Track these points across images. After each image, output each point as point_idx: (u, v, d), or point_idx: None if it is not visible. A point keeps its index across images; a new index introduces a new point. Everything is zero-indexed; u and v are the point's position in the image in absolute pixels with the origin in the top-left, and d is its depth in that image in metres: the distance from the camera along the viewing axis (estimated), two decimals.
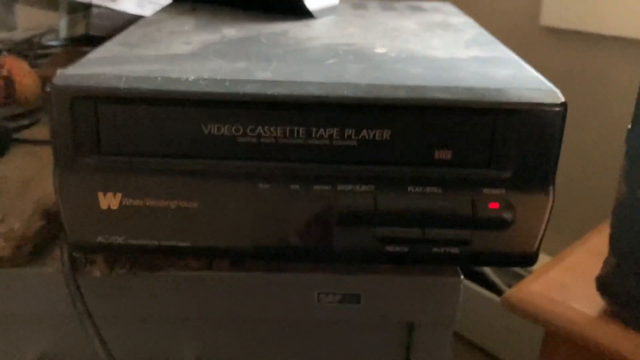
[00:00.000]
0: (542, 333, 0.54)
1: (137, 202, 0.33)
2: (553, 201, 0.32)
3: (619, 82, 0.92)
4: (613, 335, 0.47)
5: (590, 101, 0.95)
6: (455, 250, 0.33)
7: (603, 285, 0.48)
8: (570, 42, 0.95)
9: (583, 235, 0.63)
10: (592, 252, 0.58)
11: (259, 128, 0.32)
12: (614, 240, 0.47)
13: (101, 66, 0.33)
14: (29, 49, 0.74)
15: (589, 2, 0.88)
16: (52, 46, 0.74)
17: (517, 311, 0.52)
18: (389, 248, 0.33)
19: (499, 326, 1.10)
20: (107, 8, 0.62)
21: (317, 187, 0.32)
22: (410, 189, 0.32)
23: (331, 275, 0.37)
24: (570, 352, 0.51)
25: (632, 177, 0.44)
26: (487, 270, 1.06)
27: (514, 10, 1.00)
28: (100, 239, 0.33)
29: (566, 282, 0.54)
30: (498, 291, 1.05)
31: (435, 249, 0.33)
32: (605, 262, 0.48)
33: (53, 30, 0.82)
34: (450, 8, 0.56)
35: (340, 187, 0.32)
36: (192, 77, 0.32)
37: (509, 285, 1.00)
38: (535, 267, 0.58)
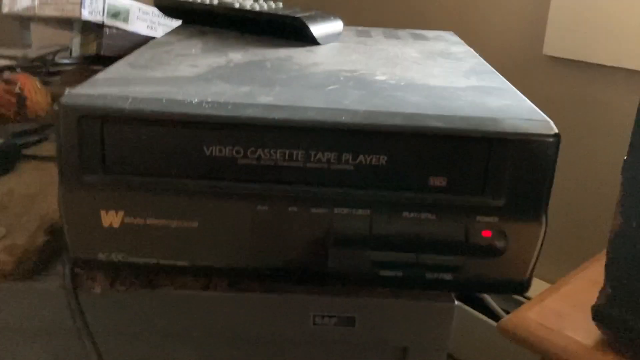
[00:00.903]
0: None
1: (138, 221, 0.33)
2: (545, 230, 0.33)
3: (619, 112, 0.92)
4: None
5: (591, 129, 0.96)
6: (448, 276, 0.33)
7: (599, 315, 0.48)
8: (572, 72, 0.96)
9: (582, 263, 0.63)
10: (589, 280, 0.58)
11: (259, 150, 0.32)
12: (609, 270, 0.47)
13: (109, 86, 0.34)
14: (42, 67, 0.76)
15: (590, 33, 0.90)
16: (64, 64, 0.76)
17: (513, 338, 0.52)
18: (384, 272, 0.34)
19: (497, 352, 1.09)
20: (118, 29, 0.64)
21: (314, 210, 0.33)
22: (405, 214, 0.33)
23: (327, 298, 0.37)
24: None
25: (628, 207, 0.45)
26: (486, 296, 1.06)
27: (518, 39, 1.01)
28: (101, 255, 0.34)
29: (563, 311, 0.54)
30: (497, 317, 1.05)
31: (428, 275, 0.33)
32: (601, 292, 0.48)
33: (66, 49, 0.84)
34: (452, 37, 0.57)
35: (337, 211, 0.33)
36: (195, 100, 0.33)
37: (508, 312, 0.99)
38: (533, 294, 0.59)
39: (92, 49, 0.65)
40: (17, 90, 0.56)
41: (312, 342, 0.39)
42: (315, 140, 0.32)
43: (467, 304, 1.11)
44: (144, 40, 0.65)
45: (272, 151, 0.32)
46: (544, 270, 1.00)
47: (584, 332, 0.50)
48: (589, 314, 0.50)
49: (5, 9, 0.66)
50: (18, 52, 0.84)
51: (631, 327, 0.47)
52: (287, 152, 0.32)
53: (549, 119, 0.32)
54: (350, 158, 0.32)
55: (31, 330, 0.39)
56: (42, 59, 0.80)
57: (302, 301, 0.38)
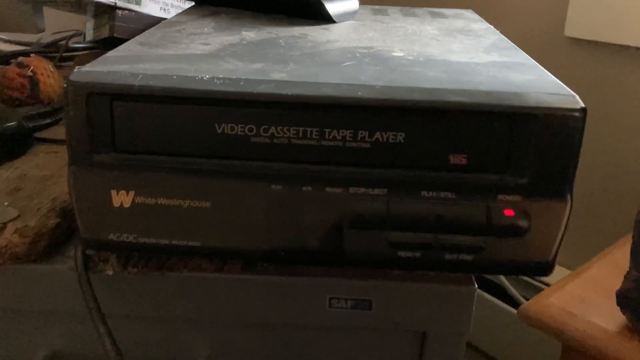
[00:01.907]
0: (560, 347, 0.53)
1: (149, 201, 0.33)
2: (571, 209, 0.32)
3: None
4: (632, 351, 0.45)
5: (614, 113, 0.93)
6: (468, 257, 0.32)
7: (623, 300, 0.47)
8: (595, 53, 0.93)
9: (603, 249, 0.61)
10: (613, 266, 0.56)
11: (272, 128, 0.31)
12: (635, 254, 0.45)
13: (118, 64, 0.33)
14: (55, 51, 0.76)
15: (613, 14, 0.87)
16: (78, 48, 0.76)
17: (534, 324, 0.50)
18: (401, 253, 0.33)
19: (516, 339, 1.08)
20: (131, 11, 0.63)
21: (329, 190, 0.32)
22: (423, 193, 0.32)
23: (343, 280, 0.37)
24: None
25: None
26: (506, 283, 1.04)
27: (539, 21, 0.99)
28: (112, 236, 0.33)
29: (585, 296, 0.52)
30: (516, 304, 1.03)
31: (448, 256, 0.32)
32: (626, 276, 0.47)
33: (80, 33, 0.83)
34: (471, 15, 0.55)
35: (352, 190, 0.32)
36: (207, 77, 0.32)
37: (527, 299, 0.98)
38: (554, 280, 0.57)
39: (105, 32, 0.65)
40: (29, 73, 0.56)
41: (328, 326, 0.38)
42: (330, 117, 0.31)
43: (485, 291, 1.10)
44: (157, 22, 0.64)
45: (285, 129, 0.31)
46: (563, 257, 0.98)
47: (607, 317, 0.49)
48: (612, 300, 0.48)
49: None
50: (32, 37, 0.83)
51: None
52: (301, 129, 0.31)
53: (574, 94, 0.31)
54: (367, 135, 0.31)
55: (44, 312, 0.39)
56: (55, 44, 0.80)
57: (318, 284, 0.37)
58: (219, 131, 0.32)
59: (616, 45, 0.91)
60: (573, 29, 0.93)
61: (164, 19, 0.65)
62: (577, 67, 0.96)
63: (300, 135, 0.31)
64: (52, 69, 0.57)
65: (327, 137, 0.31)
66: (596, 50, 0.93)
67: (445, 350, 0.38)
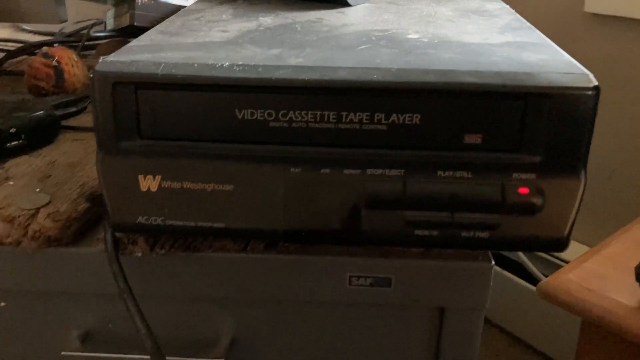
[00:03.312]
0: (580, 323, 0.54)
1: (175, 185, 0.34)
2: (585, 186, 0.32)
3: None
4: None
5: (635, 87, 0.92)
6: (484, 234, 0.33)
7: None
8: (615, 29, 0.92)
9: (623, 226, 0.62)
10: (632, 242, 0.57)
11: (291, 113, 0.32)
12: None
13: (141, 54, 0.34)
14: (78, 40, 0.77)
15: None
16: (99, 37, 0.77)
17: (553, 300, 0.51)
18: (418, 232, 0.33)
19: (536, 316, 1.08)
20: (150, 0, 0.64)
21: (347, 171, 0.33)
22: (439, 173, 0.33)
23: (363, 259, 0.38)
24: (608, 342, 0.50)
25: None
26: (525, 260, 1.05)
27: None
28: (140, 219, 0.35)
29: (604, 273, 0.53)
30: (536, 281, 1.03)
31: (464, 233, 0.33)
32: None
33: (101, 22, 0.85)
34: None
35: (370, 171, 0.33)
36: (226, 64, 0.33)
37: (546, 276, 0.98)
38: (572, 257, 0.58)
39: (125, 21, 0.66)
40: (54, 63, 0.57)
41: (349, 303, 0.40)
42: (346, 101, 0.32)
43: (504, 269, 1.10)
44: (176, 9, 0.65)
45: (303, 113, 0.32)
46: (583, 233, 0.98)
47: (626, 293, 0.49)
48: (631, 276, 0.49)
49: None
50: (55, 28, 0.85)
51: None
52: (318, 113, 0.32)
53: (588, 72, 0.31)
54: (383, 118, 0.32)
55: (76, 293, 0.41)
56: (77, 33, 0.81)
57: (338, 262, 0.38)
58: (239, 116, 0.33)
59: (635, 20, 0.89)
60: (593, 4, 0.92)
61: (183, 6, 0.66)
62: (597, 43, 0.95)
63: (318, 119, 0.32)
64: (76, 59, 0.59)
65: (344, 120, 0.32)
66: (616, 25, 0.92)
67: (463, 325, 0.39)
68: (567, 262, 1.01)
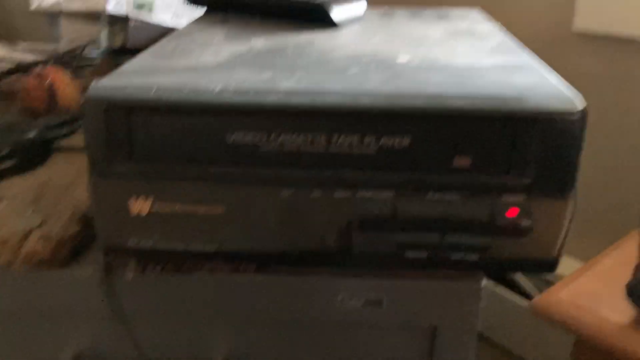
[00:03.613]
0: (573, 339, 0.54)
1: (166, 208, 0.34)
2: (574, 208, 0.32)
3: None
4: None
5: (624, 107, 0.93)
6: (474, 256, 0.33)
7: (633, 292, 0.48)
8: (603, 47, 0.93)
9: (616, 240, 0.62)
10: (622, 259, 0.57)
11: (282, 136, 0.33)
12: None
13: (134, 77, 0.35)
14: (71, 60, 0.77)
15: (621, 6, 0.87)
16: (93, 57, 0.77)
17: (545, 318, 0.51)
18: (409, 253, 0.34)
19: (530, 331, 1.08)
20: (143, 21, 0.65)
21: (338, 194, 0.33)
22: (429, 195, 0.33)
23: (354, 280, 0.38)
24: (602, 359, 0.51)
25: None
26: (518, 275, 1.05)
27: (547, 16, 0.99)
28: (131, 242, 0.35)
29: (596, 289, 0.53)
30: (530, 296, 1.04)
31: (454, 255, 0.33)
32: (636, 269, 0.47)
33: (94, 42, 0.85)
34: (477, 15, 0.56)
35: (360, 194, 0.33)
36: (218, 88, 0.33)
37: (541, 291, 0.98)
38: (566, 272, 0.58)
39: (118, 42, 0.66)
40: (47, 84, 0.57)
41: (341, 324, 0.40)
42: (336, 124, 0.32)
43: (498, 284, 1.10)
44: (169, 31, 0.65)
45: (294, 136, 0.33)
46: (577, 248, 0.98)
47: (617, 310, 0.49)
48: (622, 292, 0.49)
49: (34, 5, 0.68)
50: (48, 47, 0.85)
51: None
52: (309, 136, 0.33)
53: (575, 95, 0.32)
54: (373, 141, 0.32)
55: (69, 314, 0.41)
56: (71, 53, 0.82)
57: (329, 283, 0.38)
58: (231, 140, 0.33)
59: (624, 39, 0.91)
60: (581, 23, 0.93)
61: (176, 28, 0.66)
62: (586, 63, 0.96)
63: (309, 142, 0.33)
64: (69, 79, 0.59)
65: (334, 143, 0.33)
66: (606, 44, 0.93)
67: (455, 345, 0.39)
68: (561, 276, 1.01)
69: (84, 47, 0.78)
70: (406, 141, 0.32)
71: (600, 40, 0.93)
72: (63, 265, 0.39)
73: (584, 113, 0.31)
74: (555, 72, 0.36)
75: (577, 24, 0.93)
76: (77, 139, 0.55)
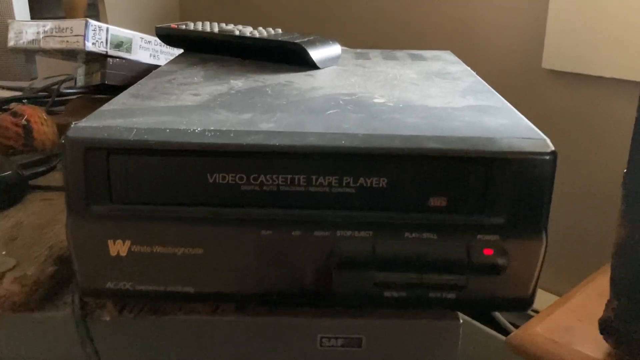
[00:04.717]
0: None
1: (145, 249, 0.34)
2: (546, 246, 0.33)
3: (621, 123, 0.93)
4: None
5: (593, 141, 0.96)
6: (451, 295, 0.34)
7: (606, 327, 0.48)
8: (571, 84, 0.97)
9: (589, 275, 0.63)
10: (596, 293, 0.58)
11: (262, 176, 0.33)
12: (614, 282, 0.47)
13: (113, 118, 0.35)
14: (48, 97, 0.77)
15: (588, 46, 0.90)
16: (70, 93, 0.77)
17: (522, 353, 0.52)
18: (387, 293, 0.34)
19: None
20: (122, 58, 0.65)
21: (317, 233, 0.34)
22: (407, 234, 0.33)
23: (333, 319, 0.38)
24: None
25: (630, 219, 0.45)
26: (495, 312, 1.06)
27: (517, 54, 1.02)
28: (109, 284, 0.35)
29: (570, 324, 0.54)
30: (507, 331, 1.04)
31: (432, 294, 0.34)
32: (608, 304, 0.48)
33: (71, 78, 0.85)
34: (449, 57, 0.58)
35: (339, 233, 0.34)
36: (198, 129, 0.33)
37: (517, 325, 0.99)
38: (541, 307, 0.59)
39: (96, 79, 0.66)
40: (23, 122, 0.57)
41: None
42: (316, 165, 0.33)
43: (476, 319, 1.11)
44: (147, 68, 0.66)
45: (274, 177, 0.33)
46: (551, 282, 1.00)
47: (592, 345, 0.50)
48: (596, 327, 0.50)
49: (11, 43, 0.68)
50: (24, 84, 0.85)
51: (638, 339, 0.47)
52: (289, 177, 0.33)
53: (545, 137, 0.33)
54: (351, 181, 0.33)
55: (43, 358, 0.40)
56: (47, 89, 0.81)
57: (308, 323, 0.38)
58: (211, 180, 0.33)
59: (594, 77, 0.94)
60: (550, 61, 0.96)
61: (155, 65, 0.67)
62: (556, 99, 0.99)
63: (289, 182, 0.33)
64: (45, 117, 0.59)
65: (314, 183, 0.33)
66: (574, 81, 0.97)
67: None
68: (534, 310, 1.02)
69: (60, 83, 0.79)
70: (383, 181, 0.33)
71: (570, 77, 0.96)
72: (38, 308, 0.38)
73: (554, 154, 0.32)
74: (523, 116, 0.37)
75: (545, 63, 0.97)
76: (54, 177, 0.55)
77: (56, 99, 0.75)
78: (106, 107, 0.38)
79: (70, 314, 0.37)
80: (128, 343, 0.38)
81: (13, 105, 0.61)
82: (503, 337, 1.05)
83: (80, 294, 0.36)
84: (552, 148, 0.32)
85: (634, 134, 0.45)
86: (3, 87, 0.90)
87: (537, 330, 0.53)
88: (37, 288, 0.38)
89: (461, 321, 0.37)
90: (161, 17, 1.46)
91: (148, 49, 0.67)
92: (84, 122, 0.34)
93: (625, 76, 0.88)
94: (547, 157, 0.32)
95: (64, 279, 0.40)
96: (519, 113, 0.37)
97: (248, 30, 0.55)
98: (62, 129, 0.60)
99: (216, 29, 0.56)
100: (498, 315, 1.04)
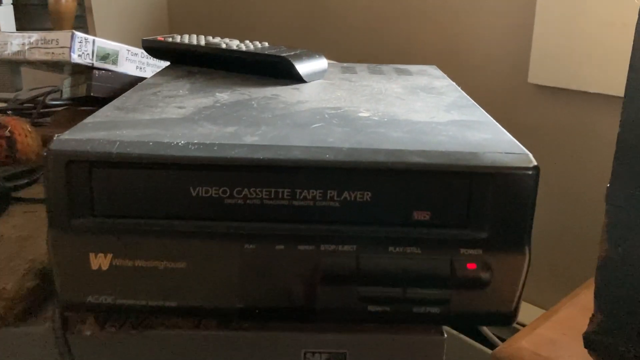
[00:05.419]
0: None
1: (126, 263, 0.34)
2: (529, 260, 0.33)
3: (605, 138, 0.94)
4: None
5: (577, 156, 0.97)
6: (435, 309, 0.34)
7: (590, 342, 0.48)
8: (557, 99, 0.98)
9: (574, 288, 0.63)
10: (581, 307, 0.58)
11: (245, 190, 0.33)
12: (598, 297, 0.47)
13: (96, 131, 0.35)
14: (33, 108, 0.77)
15: (573, 61, 0.91)
16: (55, 105, 0.77)
17: None
18: (371, 307, 0.34)
19: None
20: (108, 70, 0.65)
21: (301, 247, 0.33)
22: (391, 249, 0.33)
23: (317, 334, 0.38)
24: None
25: (613, 234, 0.45)
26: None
27: (503, 69, 1.03)
28: (90, 298, 0.34)
29: (556, 338, 0.54)
30: (493, 345, 1.04)
31: (416, 309, 0.34)
32: (592, 319, 0.48)
33: (57, 90, 0.85)
34: (435, 71, 0.58)
35: (323, 247, 0.33)
36: (182, 142, 0.33)
37: (502, 339, 0.99)
38: (527, 321, 0.59)
39: (82, 91, 0.66)
40: (7, 133, 0.57)
41: None
42: (300, 179, 0.33)
43: (462, 333, 1.11)
44: (133, 80, 0.66)
45: (258, 190, 0.33)
46: (536, 295, 1.00)
47: (577, 359, 0.50)
48: (581, 341, 0.50)
49: None
50: (8, 96, 0.84)
51: (623, 354, 0.47)
52: (272, 191, 0.33)
53: (528, 152, 0.33)
54: (336, 195, 0.33)
55: None
56: (33, 100, 0.81)
57: (292, 338, 0.38)
58: (194, 194, 0.33)
59: (579, 92, 0.95)
60: (536, 76, 0.97)
61: (140, 77, 0.67)
62: (541, 113, 1.00)
63: (272, 196, 0.33)
64: (29, 129, 0.59)
65: (298, 197, 0.33)
66: (559, 96, 0.98)
67: None
68: (520, 324, 1.02)
69: (46, 95, 0.78)
70: (367, 195, 0.33)
71: (555, 92, 0.97)
72: (18, 323, 0.38)
73: (537, 169, 0.32)
74: (506, 131, 0.37)
75: (531, 78, 0.98)
76: (38, 189, 0.54)
77: (42, 110, 0.75)
78: (90, 119, 0.38)
79: (51, 328, 0.37)
80: (109, 358, 0.38)
81: None
82: (489, 351, 1.05)
83: (61, 308, 0.36)
84: (535, 163, 0.32)
85: (617, 148, 0.45)
86: None
87: (523, 344, 0.53)
88: (16, 302, 0.38)
89: (445, 335, 0.37)
90: (151, 30, 1.46)
91: (134, 62, 0.66)
92: (66, 135, 0.34)
93: (609, 91, 0.89)
94: (530, 172, 0.32)
95: (45, 293, 0.40)
96: (502, 128, 0.38)
97: (235, 44, 0.55)
98: (48, 140, 0.60)
99: (203, 42, 0.56)
100: (484, 328, 1.04)
